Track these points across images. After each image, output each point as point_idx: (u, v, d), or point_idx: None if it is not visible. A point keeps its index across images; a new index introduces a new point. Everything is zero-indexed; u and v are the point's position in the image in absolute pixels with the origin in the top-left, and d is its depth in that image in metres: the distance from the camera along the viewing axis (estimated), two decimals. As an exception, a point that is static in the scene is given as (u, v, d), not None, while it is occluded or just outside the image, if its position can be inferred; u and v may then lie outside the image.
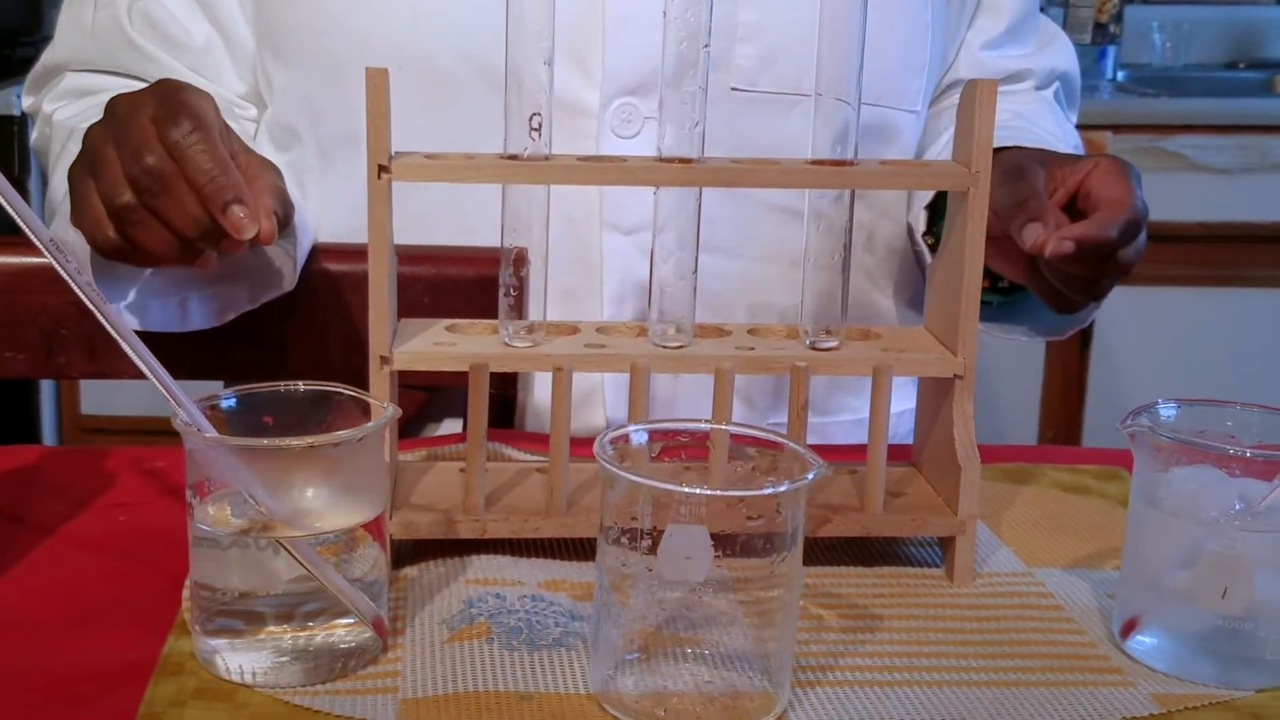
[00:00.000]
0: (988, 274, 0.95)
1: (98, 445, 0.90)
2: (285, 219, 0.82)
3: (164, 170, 0.76)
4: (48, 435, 2.70)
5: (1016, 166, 0.86)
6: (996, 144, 0.91)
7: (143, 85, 1.01)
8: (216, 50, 1.01)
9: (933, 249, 1.00)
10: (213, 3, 1.00)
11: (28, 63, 1.09)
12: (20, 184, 2.19)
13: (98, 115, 0.98)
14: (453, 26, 0.94)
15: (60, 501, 0.78)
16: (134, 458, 0.84)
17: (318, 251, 0.97)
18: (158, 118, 0.77)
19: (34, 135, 1.08)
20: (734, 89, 0.95)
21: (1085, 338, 2.61)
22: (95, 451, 0.86)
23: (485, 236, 0.97)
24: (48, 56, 1.06)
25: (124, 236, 0.78)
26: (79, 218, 0.80)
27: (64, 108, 1.03)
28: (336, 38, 0.96)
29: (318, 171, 1.00)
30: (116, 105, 0.81)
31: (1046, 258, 0.81)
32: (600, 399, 0.98)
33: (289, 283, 0.93)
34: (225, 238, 0.77)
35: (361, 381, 0.68)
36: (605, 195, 0.96)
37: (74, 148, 0.97)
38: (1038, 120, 1.07)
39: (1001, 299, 1.00)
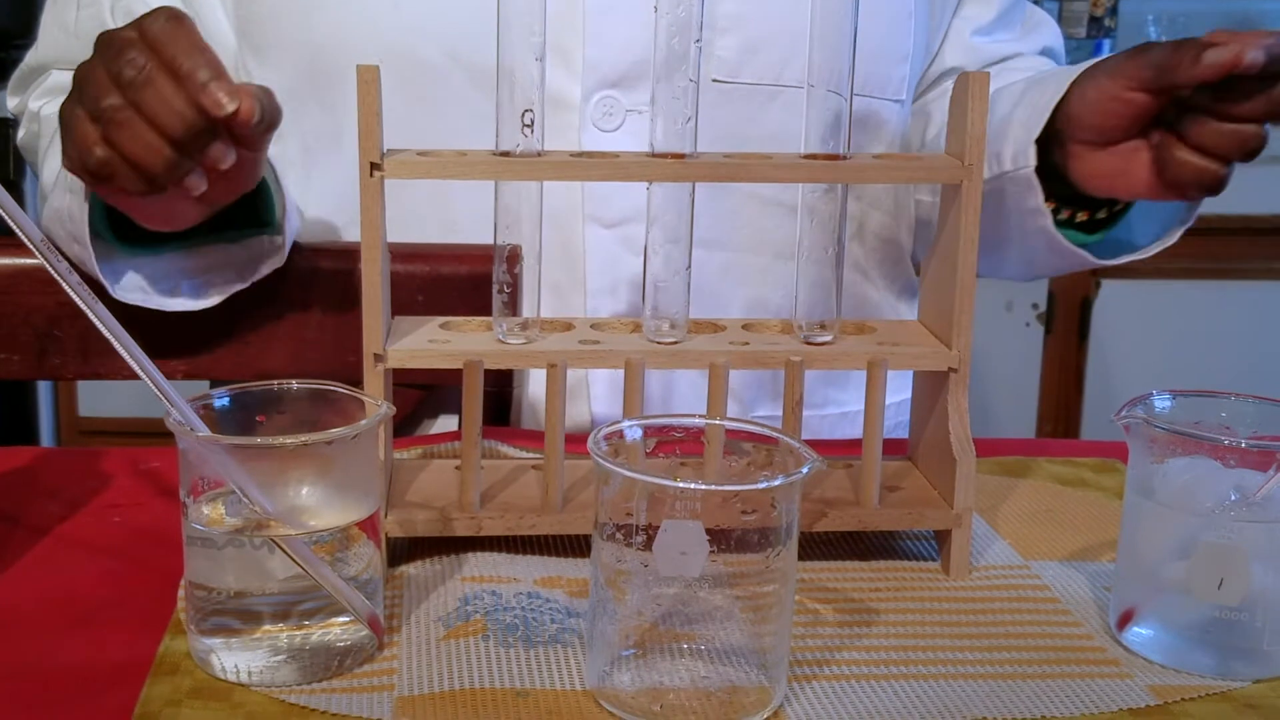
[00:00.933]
0: (1080, 203, 0.93)
1: (93, 447, 0.90)
2: (273, 116, 0.79)
3: (145, 61, 0.75)
4: (45, 438, 2.70)
5: (1140, 44, 0.85)
6: (1061, 79, 0.90)
7: None
8: None
9: (1064, 218, 0.95)
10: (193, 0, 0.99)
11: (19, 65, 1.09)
12: (15, 187, 2.19)
13: None
14: (435, 21, 0.94)
15: (55, 502, 0.78)
16: (129, 458, 0.84)
17: (306, 250, 0.97)
18: (138, 23, 0.77)
19: (20, 134, 1.08)
20: (715, 80, 0.95)
21: (1083, 331, 2.61)
22: (90, 453, 0.86)
23: (468, 235, 0.97)
24: (31, 57, 1.06)
25: (111, 145, 0.77)
26: (69, 148, 0.79)
27: (50, 103, 1.02)
28: (316, 33, 0.96)
29: (300, 168, 1.00)
30: (102, 37, 0.80)
31: (1245, 65, 0.78)
32: (585, 395, 0.98)
33: (279, 257, 0.92)
34: (207, 141, 0.76)
35: (355, 380, 0.68)
36: (587, 189, 0.96)
37: None
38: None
39: (1084, 238, 0.96)
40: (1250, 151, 0.84)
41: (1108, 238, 0.97)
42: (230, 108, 0.74)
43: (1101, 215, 0.96)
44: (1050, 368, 2.65)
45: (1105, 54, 0.88)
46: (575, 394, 0.98)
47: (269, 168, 0.90)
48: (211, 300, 0.93)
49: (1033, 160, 0.91)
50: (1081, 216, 0.95)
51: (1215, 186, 0.86)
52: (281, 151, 1.00)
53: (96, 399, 2.72)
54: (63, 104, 0.81)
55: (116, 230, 0.89)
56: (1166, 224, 0.96)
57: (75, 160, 0.79)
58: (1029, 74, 1.06)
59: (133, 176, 0.78)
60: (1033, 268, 1.04)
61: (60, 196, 0.87)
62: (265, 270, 0.93)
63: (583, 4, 0.93)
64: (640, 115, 0.95)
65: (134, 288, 0.90)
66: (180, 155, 0.77)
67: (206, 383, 1.01)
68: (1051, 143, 0.91)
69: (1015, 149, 0.93)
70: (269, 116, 0.77)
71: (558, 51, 0.93)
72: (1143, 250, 0.97)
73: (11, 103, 1.09)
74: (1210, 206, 0.93)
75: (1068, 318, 2.60)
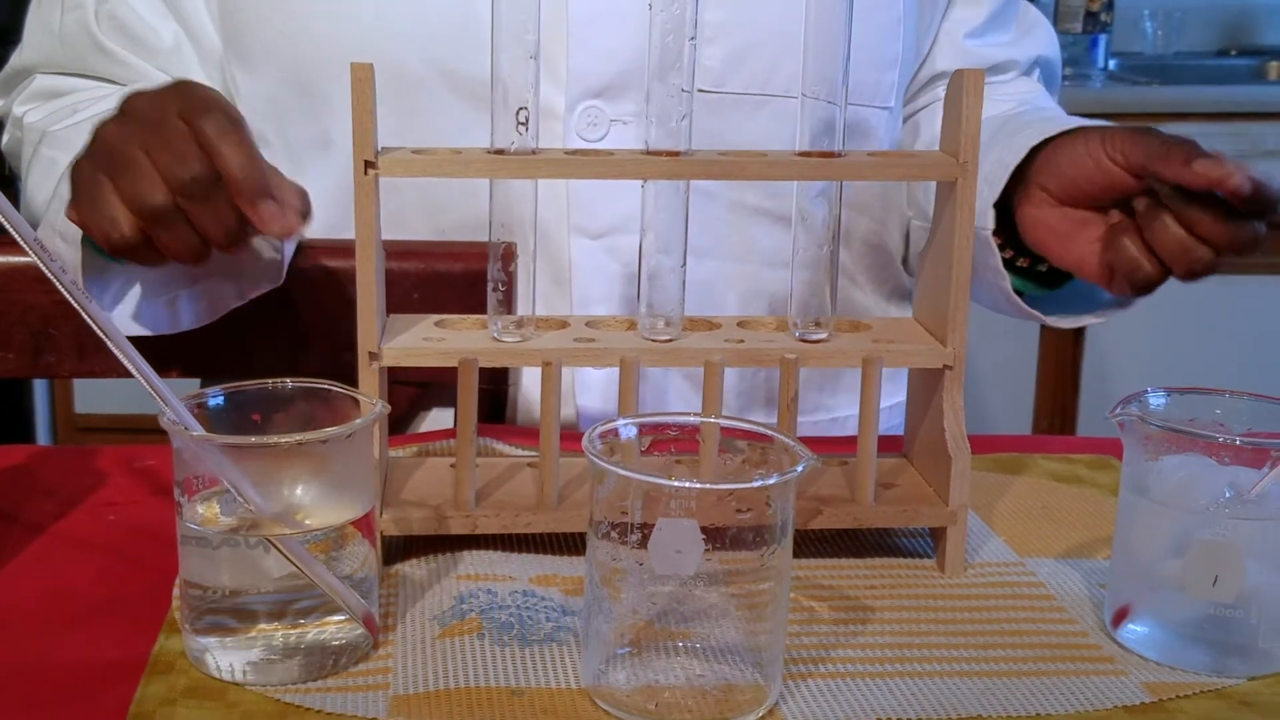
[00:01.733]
0: (1027, 256, 0.93)
1: (89, 444, 0.90)
2: (307, 212, 0.80)
3: (209, 177, 0.75)
4: (42, 435, 2.70)
5: (1143, 126, 0.84)
6: (1028, 134, 0.88)
7: (111, 86, 1.00)
8: (185, 51, 1.00)
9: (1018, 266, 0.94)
10: (179, 2, 0.99)
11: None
12: (9, 185, 2.19)
13: (69, 116, 0.97)
14: (420, 28, 0.93)
15: (51, 501, 0.78)
16: (124, 456, 0.84)
17: (301, 248, 0.97)
18: (187, 115, 0.76)
19: (4, 139, 1.07)
20: (700, 90, 0.94)
21: (1078, 328, 2.61)
22: (85, 451, 0.86)
23: (455, 238, 0.96)
24: (15, 60, 1.06)
25: (146, 236, 0.77)
26: (89, 213, 0.78)
27: (34, 110, 1.02)
28: (300, 41, 0.95)
29: (287, 175, 0.99)
30: (136, 105, 0.79)
31: (1230, 188, 0.77)
32: (571, 394, 0.98)
33: (277, 277, 0.93)
34: (243, 242, 0.77)
35: (350, 378, 0.68)
36: (572, 200, 0.96)
37: (47, 151, 0.96)
38: (1048, 105, 1.06)
39: (1035, 289, 0.96)
40: (1191, 271, 0.82)
41: (1067, 289, 0.96)
42: (277, 228, 0.75)
43: (1043, 268, 0.94)
44: (1046, 365, 2.65)
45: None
46: (563, 394, 0.97)
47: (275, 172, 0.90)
48: (204, 317, 0.92)
49: (991, 224, 0.91)
50: (1023, 263, 0.94)
51: (1144, 287, 0.85)
52: (269, 159, 0.99)
53: (93, 396, 2.72)
54: (80, 161, 0.79)
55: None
56: (1103, 304, 0.95)
57: (98, 233, 0.78)
58: (1010, 103, 1.05)
59: (153, 260, 0.78)
60: (991, 306, 1.02)
61: (50, 239, 0.85)
62: (265, 286, 0.93)
63: (567, 13, 0.93)
64: (625, 125, 0.95)
65: (131, 304, 0.89)
66: (207, 251, 0.78)
67: (200, 381, 1.00)
68: (1014, 181, 0.90)
69: (977, 205, 0.92)
70: (307, 215, 0.78)
71: (542, 61, 0.92)
72: (1094, 314, 0.95)
73: None
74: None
75: (1064, 314, 2.60)
